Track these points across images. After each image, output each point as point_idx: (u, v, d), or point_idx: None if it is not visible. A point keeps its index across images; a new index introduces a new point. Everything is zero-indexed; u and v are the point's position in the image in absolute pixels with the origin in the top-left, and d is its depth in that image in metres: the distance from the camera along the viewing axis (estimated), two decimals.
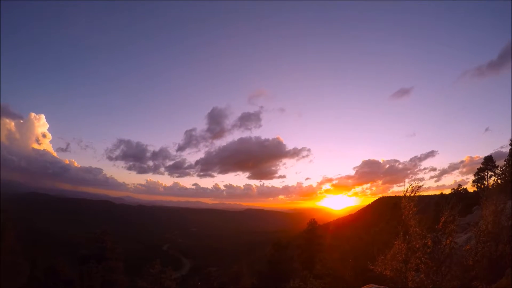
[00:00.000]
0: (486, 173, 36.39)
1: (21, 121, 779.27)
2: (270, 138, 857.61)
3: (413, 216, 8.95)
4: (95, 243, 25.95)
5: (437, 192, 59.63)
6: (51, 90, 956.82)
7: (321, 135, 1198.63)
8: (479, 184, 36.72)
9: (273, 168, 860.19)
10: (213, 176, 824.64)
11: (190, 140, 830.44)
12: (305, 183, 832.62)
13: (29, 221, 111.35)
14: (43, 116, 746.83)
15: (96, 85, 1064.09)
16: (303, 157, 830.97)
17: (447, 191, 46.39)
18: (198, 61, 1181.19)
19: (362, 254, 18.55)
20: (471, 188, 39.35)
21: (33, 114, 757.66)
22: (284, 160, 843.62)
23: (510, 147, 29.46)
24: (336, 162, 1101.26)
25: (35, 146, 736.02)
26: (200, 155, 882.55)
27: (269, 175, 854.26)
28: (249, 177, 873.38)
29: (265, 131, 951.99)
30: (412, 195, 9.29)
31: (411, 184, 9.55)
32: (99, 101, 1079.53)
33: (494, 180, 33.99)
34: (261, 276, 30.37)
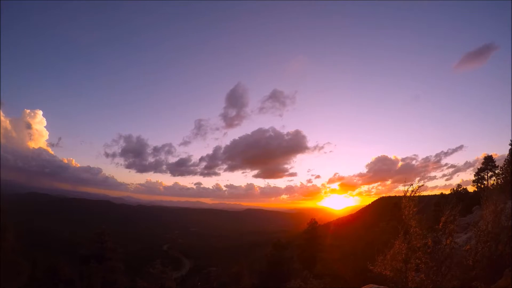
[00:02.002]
0: (486, 173, 36.49)
1: (17, 118, 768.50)
2: (291, 131, 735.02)
3: (414, 216, 8.95)
4: (95, 243, 25.94)
5: (437, 192, 59.57)
6: (46, 87, 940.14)
7: (346, 126, 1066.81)
8: (479, 184, 36.82)
9: (286, 165, 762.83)
10: (218, 174, 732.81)
11: (198, 132, 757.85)
12: (314, 182, 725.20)
13: (29, 221, 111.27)
14: (40, 113, 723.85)
15: (96, 81, 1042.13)
16: (325, 153, 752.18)
17: (447, 191, 46.29)
18: (214, 46, 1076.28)
19: (362, 254, 18.58)
20: (471, 188, 39.47)
21: (27, 111, 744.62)
22: (302, 156, 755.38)
23: (510, 147, 29.45)
24: (355, 159, 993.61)
25: (31, 143, 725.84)
26: (207, 151, 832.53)
27: (280, 172, 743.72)
28: (255, 176, 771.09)
29: (288, 120, 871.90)
30: (413, 195, 9.29)
31: (412, 184, 9.55)
32: (98, 96, 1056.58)
33: (494, 180, 34.06)
34: (262, 276, 30.41)
